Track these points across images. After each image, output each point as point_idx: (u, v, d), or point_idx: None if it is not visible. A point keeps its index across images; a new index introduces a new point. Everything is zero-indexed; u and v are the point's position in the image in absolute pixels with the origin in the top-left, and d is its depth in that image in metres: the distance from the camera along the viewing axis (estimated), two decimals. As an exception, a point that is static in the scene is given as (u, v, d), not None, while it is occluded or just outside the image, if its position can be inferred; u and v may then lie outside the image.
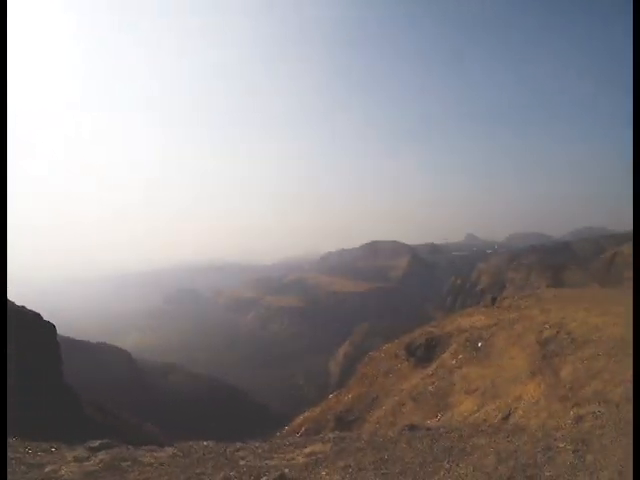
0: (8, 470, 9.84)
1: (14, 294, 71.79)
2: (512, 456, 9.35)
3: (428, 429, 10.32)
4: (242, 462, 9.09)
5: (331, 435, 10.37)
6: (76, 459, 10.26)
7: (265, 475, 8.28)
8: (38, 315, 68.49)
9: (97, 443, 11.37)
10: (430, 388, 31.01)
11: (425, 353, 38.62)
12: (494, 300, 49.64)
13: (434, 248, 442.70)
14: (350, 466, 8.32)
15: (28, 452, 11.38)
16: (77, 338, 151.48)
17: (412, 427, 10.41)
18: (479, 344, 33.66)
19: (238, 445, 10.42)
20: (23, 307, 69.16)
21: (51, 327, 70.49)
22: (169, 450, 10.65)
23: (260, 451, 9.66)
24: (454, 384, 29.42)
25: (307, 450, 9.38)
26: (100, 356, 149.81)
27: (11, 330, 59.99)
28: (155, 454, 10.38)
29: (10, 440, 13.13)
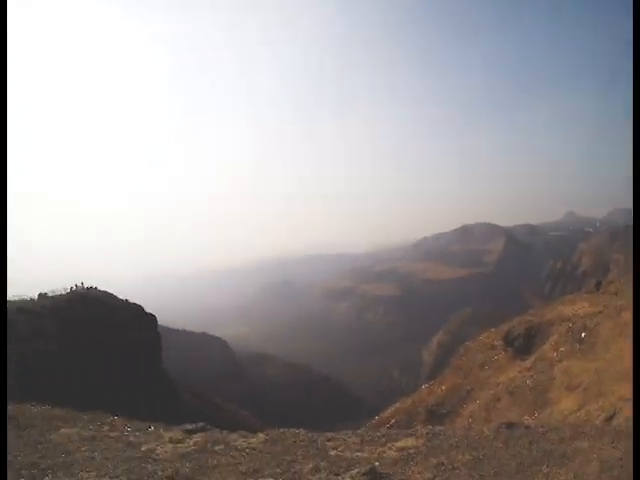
0: (107, 447, 10.20)
1: (117, 289, 75.71)
2: (617, 464, 8.62)
3: (526, 428, 9.73)
4: (332, 452, 8.93)
5: (424, 430, 10.00)
6: (172, 440, 10.47)
7: (355, 467, 8.05)
8: (140, 307, 72.07)
9: (192, 426, 11.59)
10: (528, 382, 29.64)
11: (524, 344, 36.83)
12: (598, 285, 46.33)
13: (530, 229, 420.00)
14: (443, 464, 7.97)
15: (127, 431, 11.72)
16: (178, 328, 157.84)
17: (509, 425, 9.85)
18: (582, 335, 31.67)
19: (329, 435, 10.29)
20: (126, 300, 72.94)
21: (152, 318, 73.96)
22: (261, 436, 10.65)
23: (351, 442, 9.46)
24: (554, 379, 27.86)
25: (399, 444, 9.08)
26: (199, 345, 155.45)
27: (116, 321, 63.47)
28: (247, 440, 10.43)
29: (111, 418, 13.59)
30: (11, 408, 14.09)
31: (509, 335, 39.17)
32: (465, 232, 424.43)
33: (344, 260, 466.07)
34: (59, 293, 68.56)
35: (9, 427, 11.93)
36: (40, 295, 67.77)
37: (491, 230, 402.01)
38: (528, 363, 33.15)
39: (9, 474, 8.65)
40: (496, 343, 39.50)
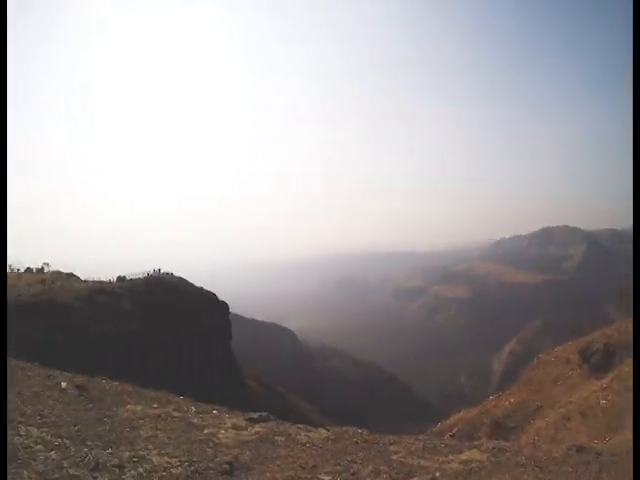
0: (170, 426, 10.42)
1: (192, 276, 77.97)
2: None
3: (598, 454, 9.18)
4: (394, 457, 8.72)
5: (489, 444, 9.63)
6: (234, 426, 10.56)
7: (415, 475, 7.84)
8: (213, 295, 74.12)
9: (256, 415, 11.64)
10: (602, 403, 28.17)
11: (601, 361, 35.12)
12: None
13: (615, 234, 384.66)
14: None
15: (191, 412, 11.88)
16: (248, 317, 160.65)
17: (580, 448, 9.30)
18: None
19: (392, 438, 10.07)
20: (201, 288, 75.14)
21: (224, 305, 75.94)
22: (323, 432, 10.58)
23: (414, 448, 9.21)
24: (631, 402, 26.36)
25: (462, 457, 8.78)
26: (268, 335, 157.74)
27: (190, 306, 65.25)
28: (309, 434, 10.38)
29: (177, 399, 13.86)
30: (82, 380, 14.61)
31: (586, 350, 37.44)
32: (545, 235, 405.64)
33: (417, 259, 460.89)
34: (137, 277, 71.57)
35: (79, 399, 12.37)
36: (119, 278, 70.94)
37: (573, 234, 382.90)
38: (604, 382, 31.49)
39: (74, 442, 9.02)
40: (572, 357, 37.82)
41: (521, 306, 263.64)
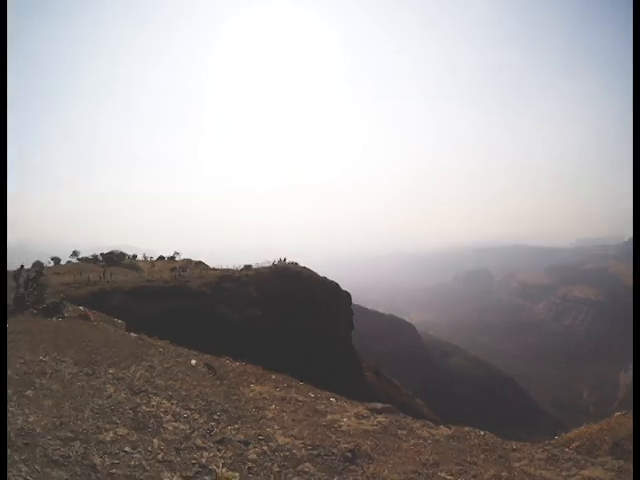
0: (294, 409, 10.61)
1: (317, 266, 79.57)
2: None
3: None
4: (516, 464, 8.38)
5: (615, 463, 8.99)
6: (357, 415, 10.59)
7: None
8: (336, 284, 75.11)
9: (379, 406, 11.60)
10: None
11: None
12: None
13: None
14: None
15: (312, 399, 11.99)
16: (369, 308, 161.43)
17: None
18: None
19: (515, 445, 9.68)
20: (325, 278, 76.51)
21: (347, 296, 76.78)
22: (444, 430, 10.36)
23: (537, 458, 8.78)
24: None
25: (586, 472, 8.29)
26: (387, 327, 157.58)
27: (313, 295, 66.52)
28: (431, 430, 10.21)
29: (297, 383, 14.06)
30: (210, 358, 15.23)
31: None
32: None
33: (547, 255, 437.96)
34: (262, 266, 74.31)
35: (207, 376, 12.87)
36: (245, 266, 73.98)
37: None
38: None
39: (202, 416, 9.41)
40: None
41: None
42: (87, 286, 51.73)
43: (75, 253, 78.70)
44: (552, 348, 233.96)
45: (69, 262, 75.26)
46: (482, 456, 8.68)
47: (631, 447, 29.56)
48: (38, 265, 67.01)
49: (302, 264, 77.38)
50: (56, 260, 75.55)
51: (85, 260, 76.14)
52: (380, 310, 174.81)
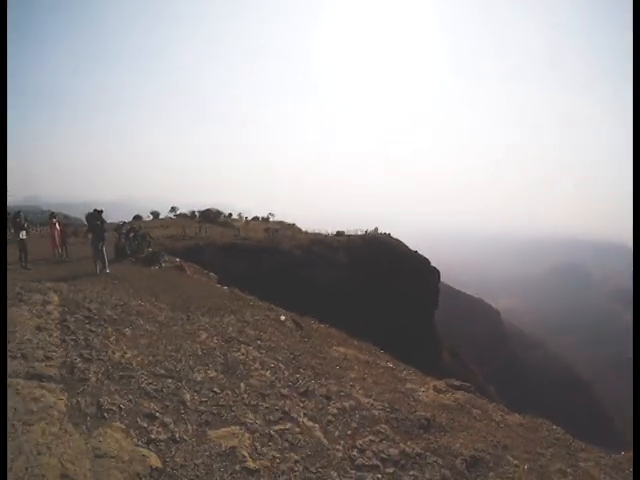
0: (376, 373, 10.92)
1: (410, 239, 79.04)
2: None
3: None
4: (582, 464, 8.28)
5: None
6: (435, 388, 10.69)
7: None
8: (427, 260, 74.45)
9: (457, 383, 11.66)
10: None
11: None
12: None
13: None
14: None
15: (393, 368, 12.26)
16: (456, 288, 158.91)
17: None
18: None
19: (583, 445, 9.55)
20: (416, 252, 75.93)
21: (436, 272, 76.00)
22: (518, 417, 10.35)
23: (603, 462, 8.68)
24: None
25: None
26: (472, 309, 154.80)
27: (402, 267, 66.33)
28: (504, 415, 10.20)
29: (379, 351, 14.36)
30: (297, 317, 15.75)
31: None
32: None
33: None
34: (355, 233, 74.69)
35: (295, 333, 13.37)
36: (337, 232, 74.52)
37: None
38: None
39: (288, 368, 9.88)
40: None
41: None
42: (183, 240, 53.69)
43: (173, 209, 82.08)
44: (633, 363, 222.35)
45: (167, 217, 78.57)
46: (550, 449, 8.62)
47: None
48: (138, 219, 70.58)
49: (395, 236, 77.20)
50: (155, 214, 79.05)
51: (182, 216, 79.09)
52: (468, 292, 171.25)
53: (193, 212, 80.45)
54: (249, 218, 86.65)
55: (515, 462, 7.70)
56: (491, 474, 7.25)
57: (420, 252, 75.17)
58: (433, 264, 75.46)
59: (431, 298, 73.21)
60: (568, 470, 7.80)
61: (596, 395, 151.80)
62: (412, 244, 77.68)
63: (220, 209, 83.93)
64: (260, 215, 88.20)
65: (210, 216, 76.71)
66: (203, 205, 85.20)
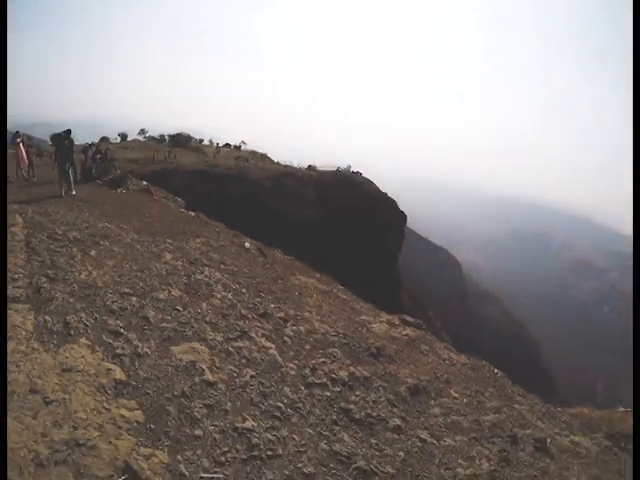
0: (333, 302, 11.29)
1: (384, 181, 78.82)
2: None
3: None
4: (517, 406, 8.74)
5: (603, 441, 9.32)
6: (388, 322, 11.02)
7: (530, 430, 7.95)
8: (395, 202, 74.55)
9: (411, 319, 11.99)
10: None
11: None
12: None
13: None
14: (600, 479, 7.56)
15: (350, 300, 12.64)
16: (422, 235, 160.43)
17: None
18: None
19: (522, 391, 10.04)
20: (385, 193, 75.85)
21: (403, 216, 76.24)
22: (464, 358, 10.78)
23: (537, 409, 9.19)
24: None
25: (575, 438, 8.56)
26: (435, 258, 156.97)
27: (369, 207, 66.59)
28: (451, 354, 10.60)
29: (339, 286, 14.71)
30: (262, 246, 15.98)
31: None
32: None
33: (611, 237, 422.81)
34: (327, 169, 74.16)
35: (258, 260, 13.62)
36: (309, 166, 73.97)
37: None
38: None
39: (249, 291, 10.20)
40: None
41: None
42: (152, 164, 52.82)
43: (143, 131, 79.61)
44: (583, 331, 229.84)
45: (136, 140, 76.66)
46: (490, 389, 9.08)
47: (627, 444, 29.47)
48: (105, 140, 68.63)
49: (367, 175, 77.06)
50: (123, 136, 76.47)
51: (152, 139, 77.15)
52: (432, 240, 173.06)
53: (163, 135, 78.55)
54: (221, 145, 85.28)
55: (455, 395, 8.22)
56: (432, 402, 7.76)
57: (390, 195, 75.24)
58: (402, 208, 75.75)
59: (396, 241, 73.69)
60: (503, 409, 8.31)
61: (543, 355, 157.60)
62: (383, 186, 77.61)
63: (191, 134, 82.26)
64: (232, 143, 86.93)
65: (180, 141, 74.99)
66: (173, 129, 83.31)
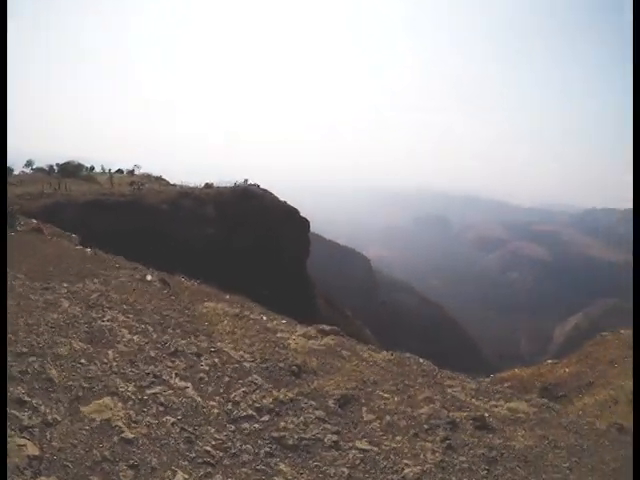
0: (246, 326, 10.95)
1: (277, 191, 78.99)
2: None
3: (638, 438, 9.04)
4: (449, 390, 8.93)
5: (539, 400, 9.66)
6: (305, 335, 10.94)
7: (466, 411, 8.02)
8: (296, 210, 75.14)
9: (327, 328, 11.90)
10: None
11: None
12: None
13: None
14: (547, 439, 7.67)
15: (263, 319, 12.37)
16: (327, 238, 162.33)
17: (621, 428, 9.11)
18: None
19: (449, 374, 10.22)
20: (285, 202, 76.21)
21: (306, 222, 77.01)
22: (386, 354, 10.84)
23: (468, 387, 9.36)
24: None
25: (511, 405, 8.86)
26: (344, 259, 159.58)
27: (272, 219, 66.59)
28: (373, 354, 10.66)
29: (250, 304, 14.40)
30: (165, 275, 15.35)
31: None
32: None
33: (506, 211, 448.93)
34: (223, 185, 73.59)
35: (162, 292, 13.04)
36: (206, 185, 73.14)
37: None
38: None
39: (156, 329, 9.69)
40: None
41: (597, 281, 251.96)
42: (41, 198, 50.83)
43: (29, 163, 75.50)
44: (495, 299, 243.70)
45: (22, 172, 72.72)
46: (419, 380, 9.16)
47: (559, 393, 31.15)
48: (-13, 175, 64.45)
49: (265, 187, 77.06)
50: (8, 170, 72.92)
51: (39, 170, 73.38)
52: (339, 242, 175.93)
53: (51, 166, 74.67)
54: (113, 171, 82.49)
55: (385, 395, 8.19)
56: (364, 409, 7.67)
57: (290, 203, 75.66)
58: (304, 215, 76.38)
59: (302, 248, 74.33)
60: (436, 397, 8.36)
61: (463, 327, 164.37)
62: (284, 196, 77.89)
63: (81, 162, 78.89)
64: (125, 168, 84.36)
65: (70, 170, 71.67)
66: (62, 158, 79.61)
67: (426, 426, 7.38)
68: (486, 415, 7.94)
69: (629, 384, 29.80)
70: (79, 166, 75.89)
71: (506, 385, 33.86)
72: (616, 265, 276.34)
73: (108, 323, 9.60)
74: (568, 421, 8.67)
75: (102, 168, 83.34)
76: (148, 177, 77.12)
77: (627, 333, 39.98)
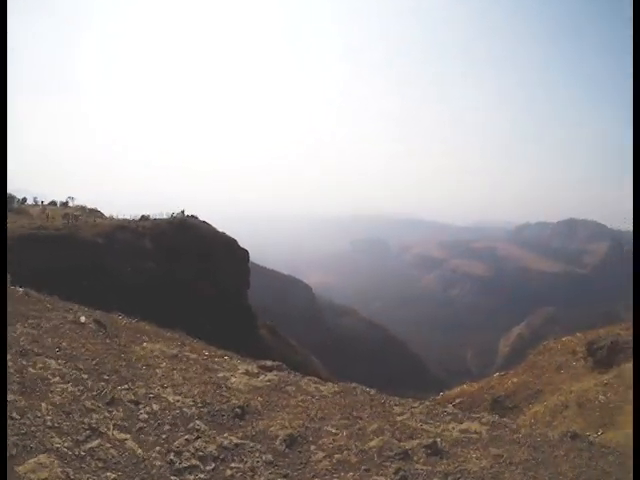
0: (186, 367, 10.68)
1: (218, 221, 78.56)
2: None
3: (590, 443, 9.22)
4: (398, 418, 8.90)
5: (490, 418, 9.74)
6: (247, 373, 10.76)
7: (417, 438, 7.99)
8: (234, 241, 74.87)
9: (269, 363, 11.79)
10: (601, 398, 28.03)
11: (606, 357, 34.48)
12: None
13: None
14: (502, 457, 7.72)
15: (205, 356, 12.13)
16: (268, 267, 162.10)
17: (574, 436, 9.31)
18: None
19: (397, 400, 10.22)
20: (223, 233, 75.76)
21: (245, 253, 76.78)
22: (331, 386, 10.77)
23: (417, 412, 9.37)
24: (630, 402, 25.94)
25: (463, 426, 8.89)
26: (284, 287, 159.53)
27: (210, 250, 65.91)
28: (319, 386, 10.57)
29: (191, 340, 14.11)
30: (100, 316, 14.84)
31: (594, 344, 36.78)
32: (570, 226, 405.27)
33: (442, 231, 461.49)
34: (160, 217, 72.56)
35: (98, 334, 12.59)
36: (142, 217, 71.94)
37: (598, 230, 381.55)
38: (605, 378, 31.04)
39: (91, 376, 9.27)
40: (578, 349, 37.41)
41: (536, 292, 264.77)
42: (-33, 234, 48.76)
43: (-48, 197, 73.06)
44: (440, 316, 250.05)
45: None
46: (367, 410, 9.12)
47: (509, 404, 31.72)
48: None
49: (203, 218, 76.47)
50: None
51: (-35, 205, 70.96)
52: (279, 270, 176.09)
53: (-22, 200, 72.02)
54: (46, 203, 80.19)
55: (334, 431, 8.06)
56: (312, 447, 7.51)
57: (229, 233, 75.36)
58: (243, 245, 76.16)
59: (242, 278, 73.99)
60: (386, 427, 8.28)
61: (410, 349, 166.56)
62: (221, 226, 77.70)
63: (12, 194, 76.40)
64: (58, 200, 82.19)
65: (0, 202, 69.48)
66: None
67: (378, 460, 7.27)
68: (438, 440, 7.91)
69: (578, 390, 30.65)
70: (10, 198, 73.52)
71: (457, 401, 34.33)
72: (552, 275, 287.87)
73: (41, 371, 9.15)
74: (521, 435, 8.74)
75: (34, 200, 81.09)
76: (82, 209, 75.46)
77: (569, 339, 41.25)
